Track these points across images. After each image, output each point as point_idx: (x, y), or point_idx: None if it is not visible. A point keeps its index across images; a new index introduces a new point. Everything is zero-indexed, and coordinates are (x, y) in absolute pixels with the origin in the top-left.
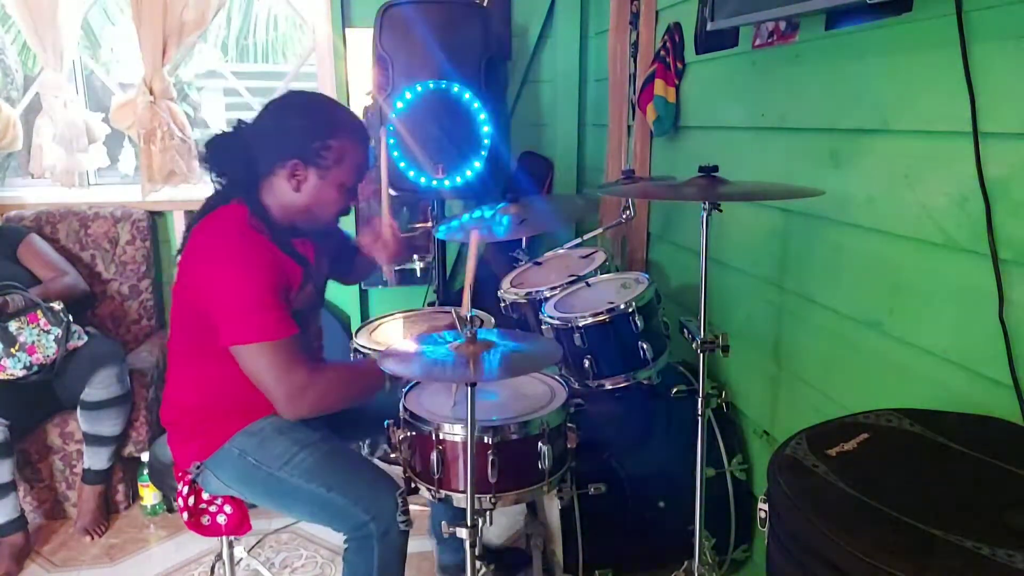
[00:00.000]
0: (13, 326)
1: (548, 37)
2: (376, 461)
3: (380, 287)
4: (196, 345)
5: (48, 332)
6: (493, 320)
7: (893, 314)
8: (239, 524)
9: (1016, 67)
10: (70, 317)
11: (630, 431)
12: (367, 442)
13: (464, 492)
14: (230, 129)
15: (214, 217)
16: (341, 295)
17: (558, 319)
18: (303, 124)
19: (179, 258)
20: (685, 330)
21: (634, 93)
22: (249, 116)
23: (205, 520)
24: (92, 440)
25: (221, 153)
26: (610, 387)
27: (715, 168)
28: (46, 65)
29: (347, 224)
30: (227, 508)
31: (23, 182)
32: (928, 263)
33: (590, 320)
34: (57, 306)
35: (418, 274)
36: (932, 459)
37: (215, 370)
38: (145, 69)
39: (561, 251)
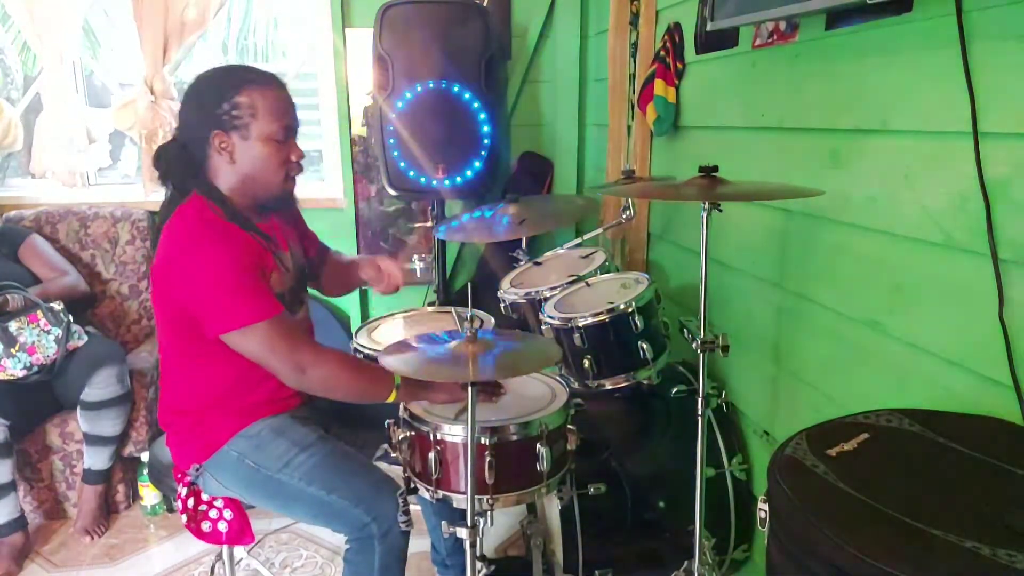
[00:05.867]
0: (13, 326)
1: (548, 37)
2: (376, 461)
3: None
4: (185, 348)
5: (48, 332)
6: (493, 320)
7: (893, 314)
8: (239, 533)
9: (1016, 67)
10: (70, 317)
11: (630, 431)
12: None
13: (462, 492)
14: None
15: (175, 217)
16: None
17: (558, 319)
18: (207, 93)
19: (152, 264)
20: (685, 330)
21: (634, 93)
22: None
23: (206, 527)
24: (92, 440)
25: (164, 160)
26: (610, 387)
27: (715, 168)
28: (46, 65)
29: (348, 226)
30: (227, 514)
31: (23, 182)
32: (928, 263)
33: (590, 320)
34: (57, 306)
35: (418, 274)
36: (932, 459)
37: (207, 372)
38: (146, 69)
39: (561, 251)
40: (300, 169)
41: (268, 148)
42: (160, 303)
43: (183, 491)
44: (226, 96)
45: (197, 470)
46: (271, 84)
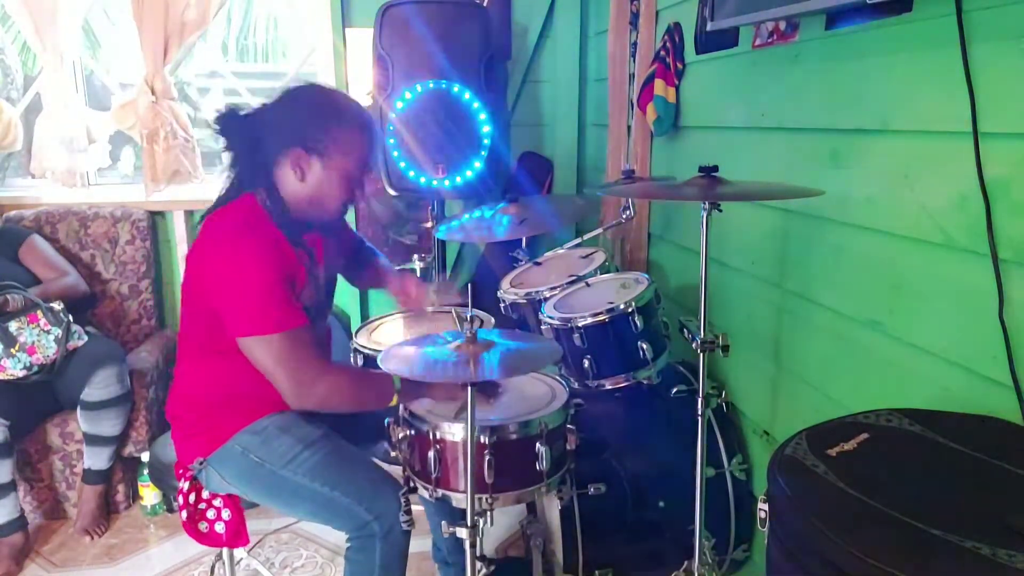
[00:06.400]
0: (13, 326)
1: (548, 37)
2: (376, 460)
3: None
4: (204, 340)
5: (48, 332)
6: (493, 320)
7: (893, 314)
8: (235, 535)
9: (1016, 67)
10: (70, 317)
11: (630, 431)
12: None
13: (461, 492)
14: (248, 109)
15: (224, 211)
16: (341, 295)
17: (558, 319)
18: (308, 112)
19: (188, 252)
20: (685, 330)
21: (634, 93)
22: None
23: (203, 527)
24: (92, 440)
25: (232, 127)
26: (610, 387)
27: (715, 168)
28: (46, 65)
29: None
30: (225, 514)
31: (23, 182)
32: (928, 263)
33: (590, 320)
34: (57, 306)
35: (418, 274)
36: (932, 459)
37: (222, 366)
38: (147, 69)
39: (561, 251)
40: (353, 202)
41: (341, 185)
42: (188, 292)
43: (185, 485)
44: (324, 122)
45: (200, 463)
46: (368, 130)
